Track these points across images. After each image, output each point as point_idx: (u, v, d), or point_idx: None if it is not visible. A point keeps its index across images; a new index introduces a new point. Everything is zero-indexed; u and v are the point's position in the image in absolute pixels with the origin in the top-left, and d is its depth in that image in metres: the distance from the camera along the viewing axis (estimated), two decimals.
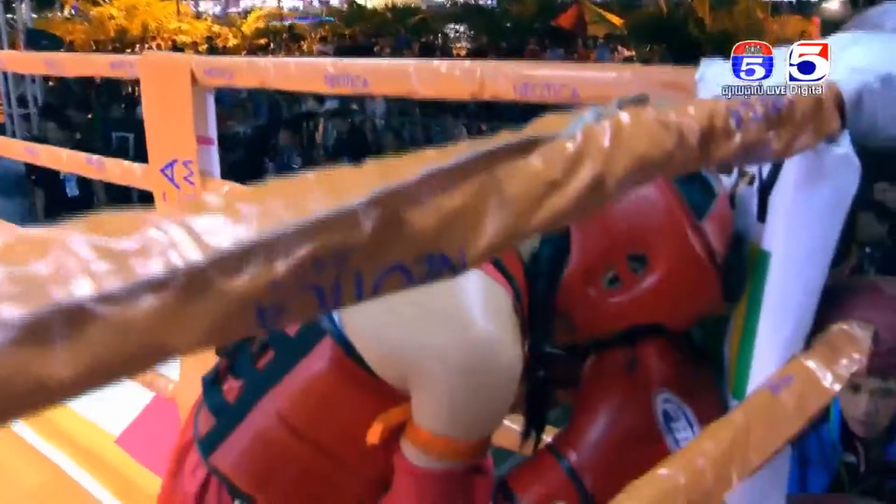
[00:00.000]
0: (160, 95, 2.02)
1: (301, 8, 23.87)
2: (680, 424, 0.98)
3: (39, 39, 8.64)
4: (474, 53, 12.72)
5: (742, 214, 0.99)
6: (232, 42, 18.96)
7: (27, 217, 5.34)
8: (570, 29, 14.01)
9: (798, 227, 0.90)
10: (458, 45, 17.92)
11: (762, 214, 0.95)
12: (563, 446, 0.99)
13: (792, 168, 0.89)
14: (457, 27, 19.40)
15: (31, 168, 5.24)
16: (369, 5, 20.30)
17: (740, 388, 0.97)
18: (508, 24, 16.96)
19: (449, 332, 0.85)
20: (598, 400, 0.99)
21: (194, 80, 1.91)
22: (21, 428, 2.85)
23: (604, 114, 0.56)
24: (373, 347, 0.90)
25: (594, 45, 13.76)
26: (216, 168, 2.03)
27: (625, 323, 0.97)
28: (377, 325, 0.89)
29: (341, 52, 12.70)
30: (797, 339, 0.93)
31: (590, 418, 0.99)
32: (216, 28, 20.04)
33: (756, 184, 0.97)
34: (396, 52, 13.40)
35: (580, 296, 0.96)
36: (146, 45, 15.01)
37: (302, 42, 17.79)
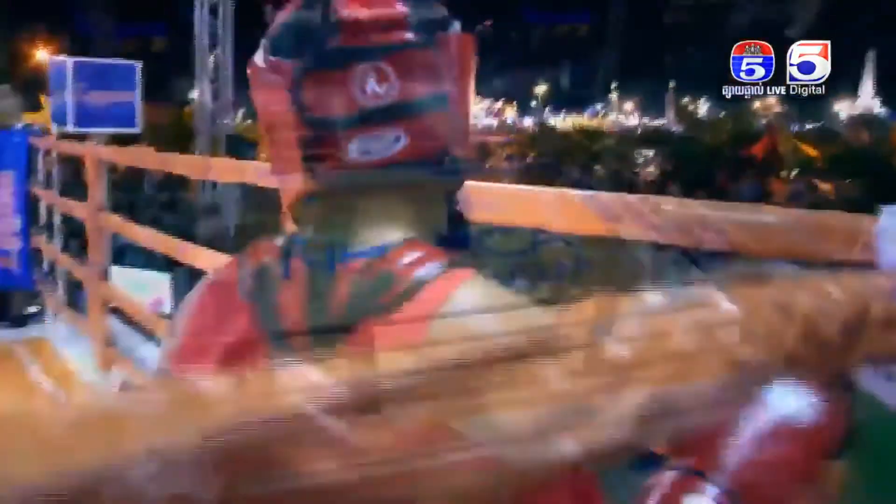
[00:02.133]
0: None
1: (495, 126, 24.48)
2: None
3: (240, 146, 8.54)
4: (659, 180, 12.41)
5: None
6: None
7: None
8: (762, 159, 13.46)
9: None
10: (648, 169, 17.66)
11: None
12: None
13: None
14: (646, 152, 19.23)
15: None
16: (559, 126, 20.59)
17: None
18: (697, 152, 16.61)
19: None
20: None
21: None
22: None
23: None
24: None
25: (788, 177, 13.10)
26: None
27: None
28: None
29: (529, 170, 12.81)
30: None
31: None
32: None
33: None
34: (585, 173, 13.33)
35: None
36: None
37: (489, 158, 18.22)
